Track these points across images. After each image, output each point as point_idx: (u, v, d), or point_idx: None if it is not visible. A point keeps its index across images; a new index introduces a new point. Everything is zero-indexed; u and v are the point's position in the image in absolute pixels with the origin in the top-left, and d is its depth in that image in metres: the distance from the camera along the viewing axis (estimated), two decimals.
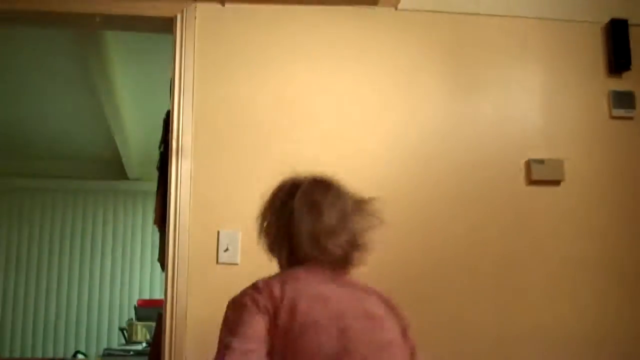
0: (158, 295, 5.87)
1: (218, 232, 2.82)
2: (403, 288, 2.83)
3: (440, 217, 2.98)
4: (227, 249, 2.81)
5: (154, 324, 4.69)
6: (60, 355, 5.59)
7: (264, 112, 2.95)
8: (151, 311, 5.01)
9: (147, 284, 6.14)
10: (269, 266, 2.77)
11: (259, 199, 2.87)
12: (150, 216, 6.07)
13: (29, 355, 5.73)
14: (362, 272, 1.98)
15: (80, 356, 5.14)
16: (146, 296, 5.98)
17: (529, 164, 3.03)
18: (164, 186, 2.94)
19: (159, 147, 3.17)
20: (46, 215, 6.12)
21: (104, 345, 5.63)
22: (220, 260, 2.82)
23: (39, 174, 6.14)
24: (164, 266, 2.92)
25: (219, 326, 2.57)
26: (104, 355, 4.50)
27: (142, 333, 4.81)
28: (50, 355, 5.68)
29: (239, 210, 2.87)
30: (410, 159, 3.00)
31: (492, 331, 2.90)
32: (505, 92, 3.11)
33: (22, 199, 6.13)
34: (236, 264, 2.83)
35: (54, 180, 6.14)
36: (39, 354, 5.71)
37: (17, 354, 5.74)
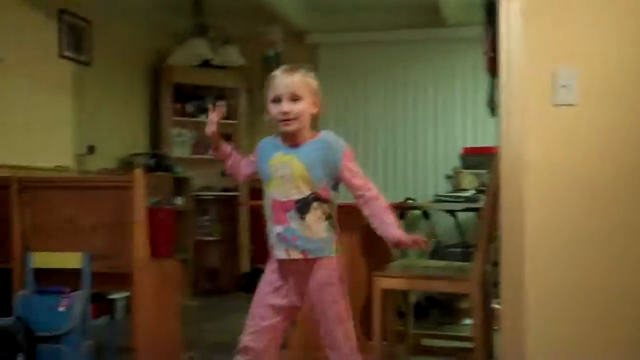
0: (480, 141, 5.81)
1: (553, 70, 2.61)
2: None
3: None
4: (563, 87, 2.59)
5: (480, 172, 4.67)
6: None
7: None
8: (476, 158, 4.98)
9: (470, 131, 6.09)
10: (611, 107, 2.54)
11: (601, 33, 2.59)
12: (469, 62, 5.94)
13: None
14: None
15: (410, 202, 5.30)
16: (469, 143, 5.93)
17: None
18: (493, 26, 2.77)
19: None
20: (366, 67, 6.30)
21: (432, 192, 5.75)
22: (555, 102, 2.62)
23: (350, 28, 6.29)
24: (493, 110, 2.81)
25: (558, 170, 2.45)
26: (434, 200, 4.58)
27: (469, 180, 4.81)
28: None
29: (576, 45, 2.61)
30: None
31: None
32: None
33: (343, 53, 6.36)
34: (572, 105, 2.61)
35: (368, 33, 6.26)
36: None
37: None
